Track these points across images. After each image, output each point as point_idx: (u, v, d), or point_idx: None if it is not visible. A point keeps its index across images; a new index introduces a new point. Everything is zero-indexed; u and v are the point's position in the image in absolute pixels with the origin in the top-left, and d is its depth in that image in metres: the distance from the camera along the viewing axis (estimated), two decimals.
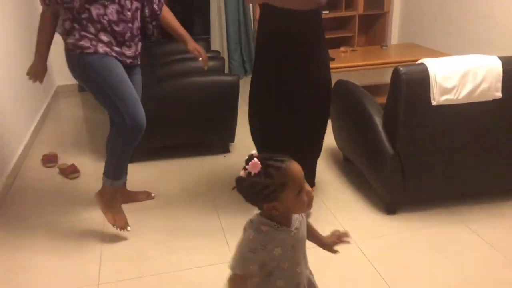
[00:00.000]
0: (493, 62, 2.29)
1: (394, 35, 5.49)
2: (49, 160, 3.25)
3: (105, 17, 2.17)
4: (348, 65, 3.71)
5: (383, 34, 5.50)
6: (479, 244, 2.28)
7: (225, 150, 3.39)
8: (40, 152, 3.43)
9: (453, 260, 2.18)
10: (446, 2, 4.52)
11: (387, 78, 2.58)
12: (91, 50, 2.18)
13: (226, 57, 5.32)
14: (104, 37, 2.20)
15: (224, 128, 3.29)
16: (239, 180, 1.18)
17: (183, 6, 6.50)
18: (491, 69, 2.27)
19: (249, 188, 1.17)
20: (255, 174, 1.15)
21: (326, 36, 2.44)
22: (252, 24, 5.30)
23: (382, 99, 2.52)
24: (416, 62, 2.33)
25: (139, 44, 2.38)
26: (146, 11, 2.37)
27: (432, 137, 2.34)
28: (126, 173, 2.60)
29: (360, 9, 5.27)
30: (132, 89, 2.27)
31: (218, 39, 5.27)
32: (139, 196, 2.78)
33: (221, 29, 5.23)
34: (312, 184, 2.69)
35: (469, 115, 2.32)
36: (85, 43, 2.18)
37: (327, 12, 5.14)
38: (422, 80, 2.24)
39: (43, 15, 2.27)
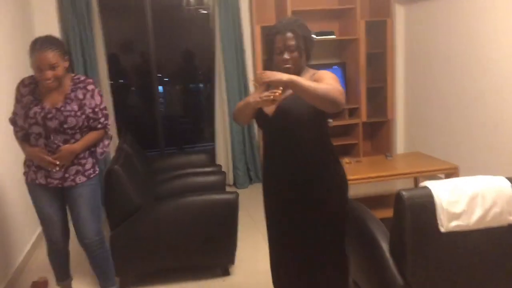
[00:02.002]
0: (501, 184, 2.15)
1: (400, 142, 5.45)
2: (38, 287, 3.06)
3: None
4: (353, 178, 3.60)
5: (388, 141, 5.47)
6: None
7: (225, 273, 3.17)
8: (31, 276, 3.25)
9: None
10: (450, 111, 4.52)
11: (392, 189, 2.45)
12: (25, 176, 2.59)
13: (231, 166, 5.30)
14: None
15: (223, 249, 3.10)
16: None
17: (191, 117, 6.67)
18: (500, 192, 2.13)
19: None
20: None
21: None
22: (256, 133, 5.33)
23: (388, 212, 2.36)
24: (420, 185, 2.21)
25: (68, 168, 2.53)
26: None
27: (445, 266, 2.14)
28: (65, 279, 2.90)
29: (364, 117, 5.30)
30: (45, 215, 2.60)
31: (223, 149, 5.29)
32: None
33: (226, 139, 5.27)
34: None
35: (484, 242, 2.13)
36: (24, 168, 2.59)
37: (331, 121, 5.17)
38: (427, 205, 2.10)
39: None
